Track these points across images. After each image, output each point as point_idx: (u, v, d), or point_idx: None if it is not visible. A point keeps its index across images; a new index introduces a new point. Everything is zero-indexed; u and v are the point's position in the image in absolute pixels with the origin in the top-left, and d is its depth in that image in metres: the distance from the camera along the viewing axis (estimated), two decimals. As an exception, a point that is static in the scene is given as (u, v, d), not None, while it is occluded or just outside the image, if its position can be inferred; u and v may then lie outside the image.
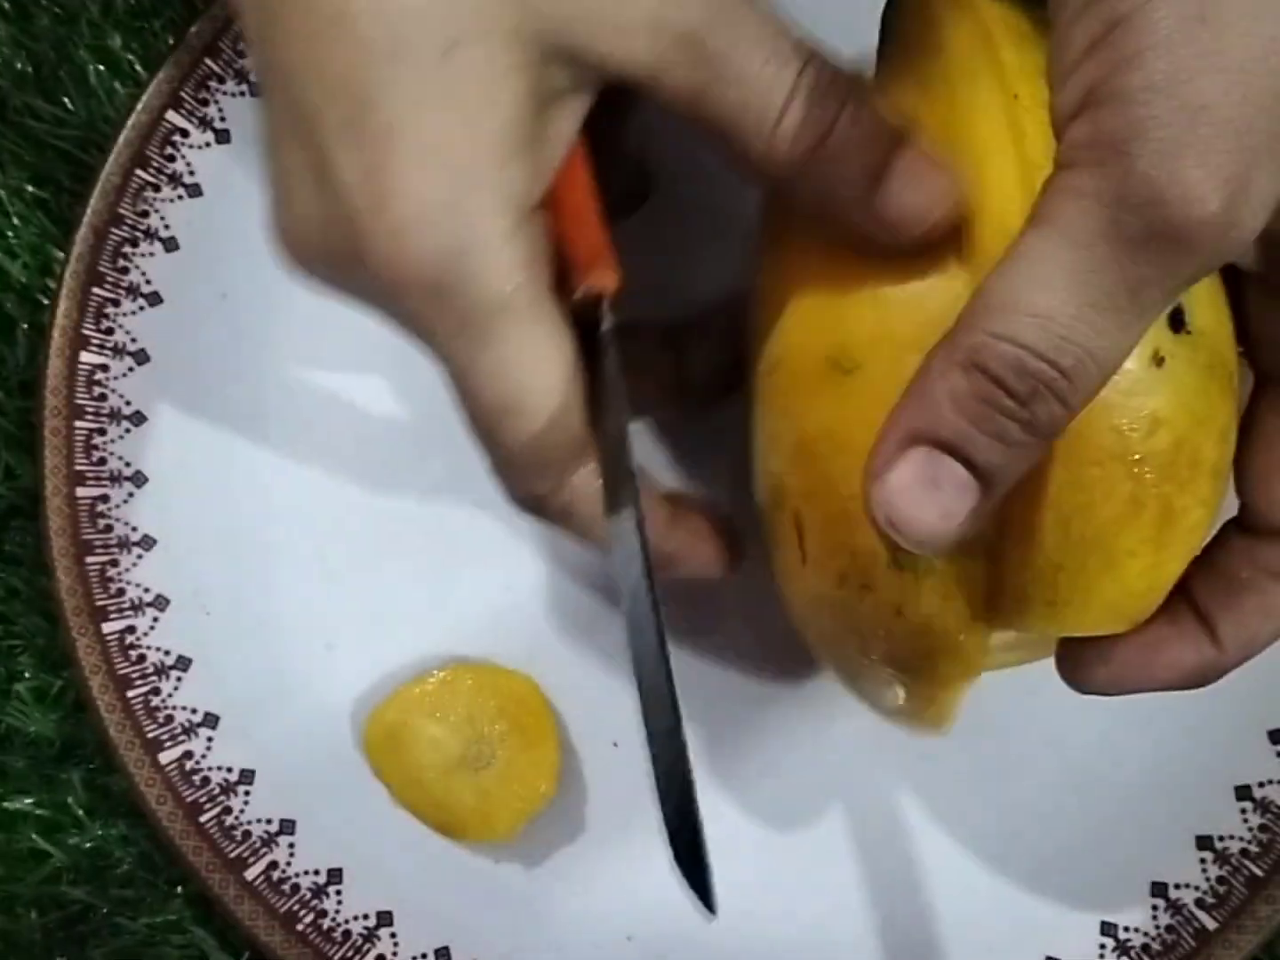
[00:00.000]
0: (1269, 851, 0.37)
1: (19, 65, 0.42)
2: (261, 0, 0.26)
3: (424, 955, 0.39)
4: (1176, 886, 0.38)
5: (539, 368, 0.28)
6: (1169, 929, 0.38)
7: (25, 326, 0.42)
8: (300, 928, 0.39)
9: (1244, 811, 0.38)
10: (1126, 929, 0.38)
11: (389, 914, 0.39)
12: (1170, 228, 0.22)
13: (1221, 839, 0.38)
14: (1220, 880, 0.37)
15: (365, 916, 0.39)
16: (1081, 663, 0.29)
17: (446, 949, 0.39)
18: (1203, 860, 0.38)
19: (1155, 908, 0.38)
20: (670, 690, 0.26)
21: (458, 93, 0.25)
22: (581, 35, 0.26)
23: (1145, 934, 0.38)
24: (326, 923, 0.39)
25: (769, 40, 0.27)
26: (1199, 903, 0.38)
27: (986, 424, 0.23)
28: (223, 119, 0.40)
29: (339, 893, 0.39)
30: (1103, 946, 0.38)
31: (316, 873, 0.39)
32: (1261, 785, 0.38)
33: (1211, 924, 0.37)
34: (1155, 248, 0.22)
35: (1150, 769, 0.39)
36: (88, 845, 0.41)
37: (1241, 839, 0.38)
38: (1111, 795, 0.39)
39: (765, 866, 0.40)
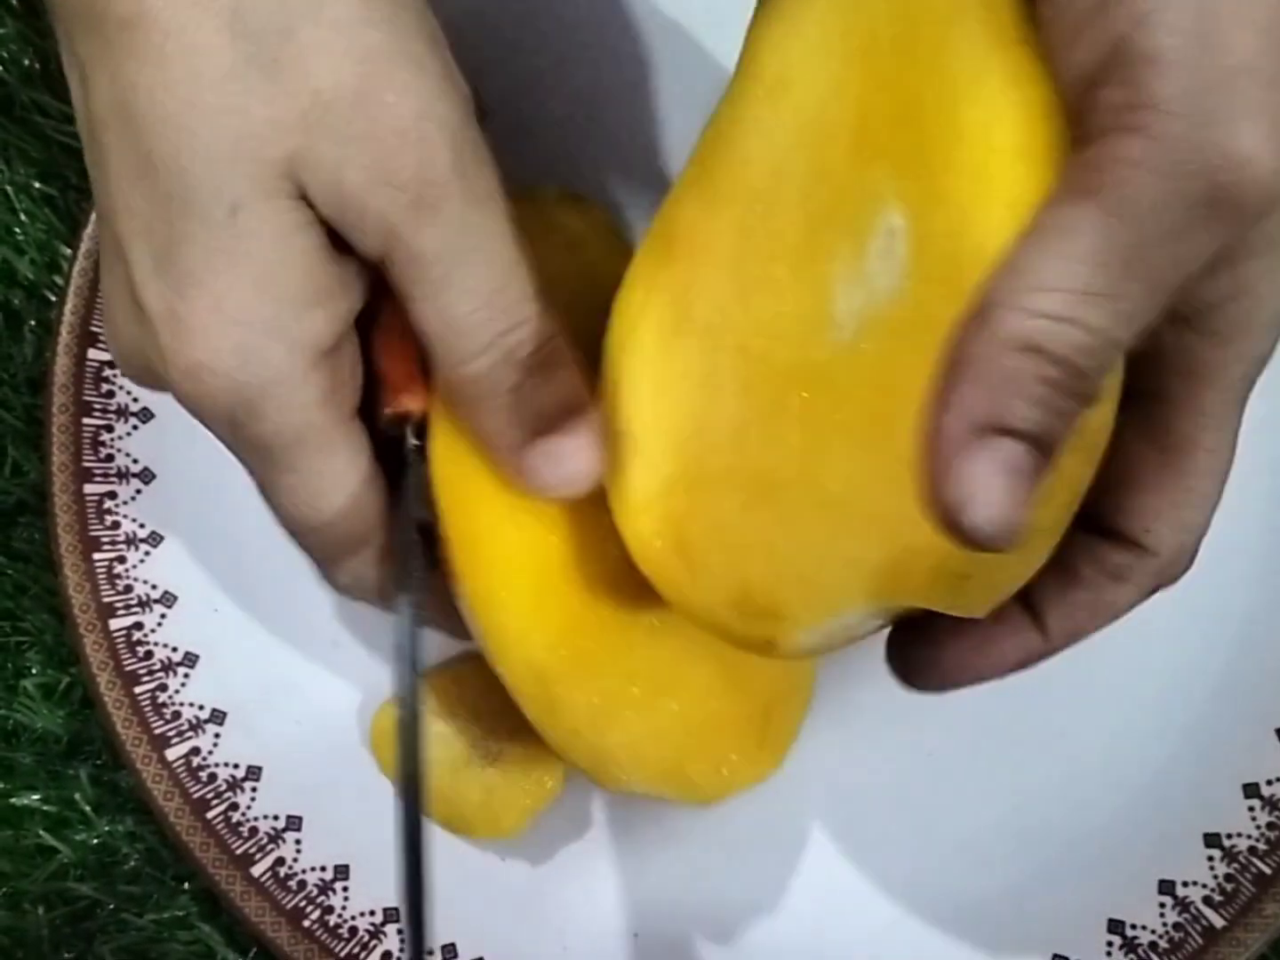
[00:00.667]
0: (1277, 849, 0.37)
1: (26, 61, 0.42)
2: (92, 132, 0.28)
3: (430, 952, 0.39)
4: (1185, 884, 0.38)
5: (331, 485, 0.30)
6: (1176, 927, 0.37)
7: (33, 323, 0.42)
8: (307, 924, 0.39)
9: (1252, 809, 0.38)
10: (1134, 927, 0.38)
11: (396, 910, 0.39)
12: (1228, 191, 0.21)
13: (1230, 837, 0.38)
14: (1228, 878, 0.37)
15: (371, 913, 0.39)
16: (912, 659, 0.29)
17: (453, 945, 0.39)
18: (1211, 858, 0.38)
19: (1163, 905, 0.38)
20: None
21: (247, 249, 0.27)
22: (347, 202, 0.28)
23: (1153, 932, 0.38)
24: (333, 919, 0.39)
25: (489, 288, 0.29)
26: (1207, 900, 0.37)
27: (1053, 404, 0.22)
28: (230, 115, 0.40)
29: (345, 889, 0.39)
30: (1110, 944, 0.38)
31: (323, 869, 0.39)
32: (1270, 783, 0.38)
33: (1220, 922, 0.37)
34: (1212, 213, 0.21)
35: (1159, 767, 0.38)
36: (95, 841, 0.41)
37: (1249, 837, 0.38)
38: (1120, 793, 0.38)
39: (771, 863, 0.39)
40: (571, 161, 0.40)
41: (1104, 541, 0.28)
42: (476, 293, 0.28)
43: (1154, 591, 0.28)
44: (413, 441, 0.32)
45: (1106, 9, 0.22)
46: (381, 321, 0.31)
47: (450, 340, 0.29)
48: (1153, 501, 0.27)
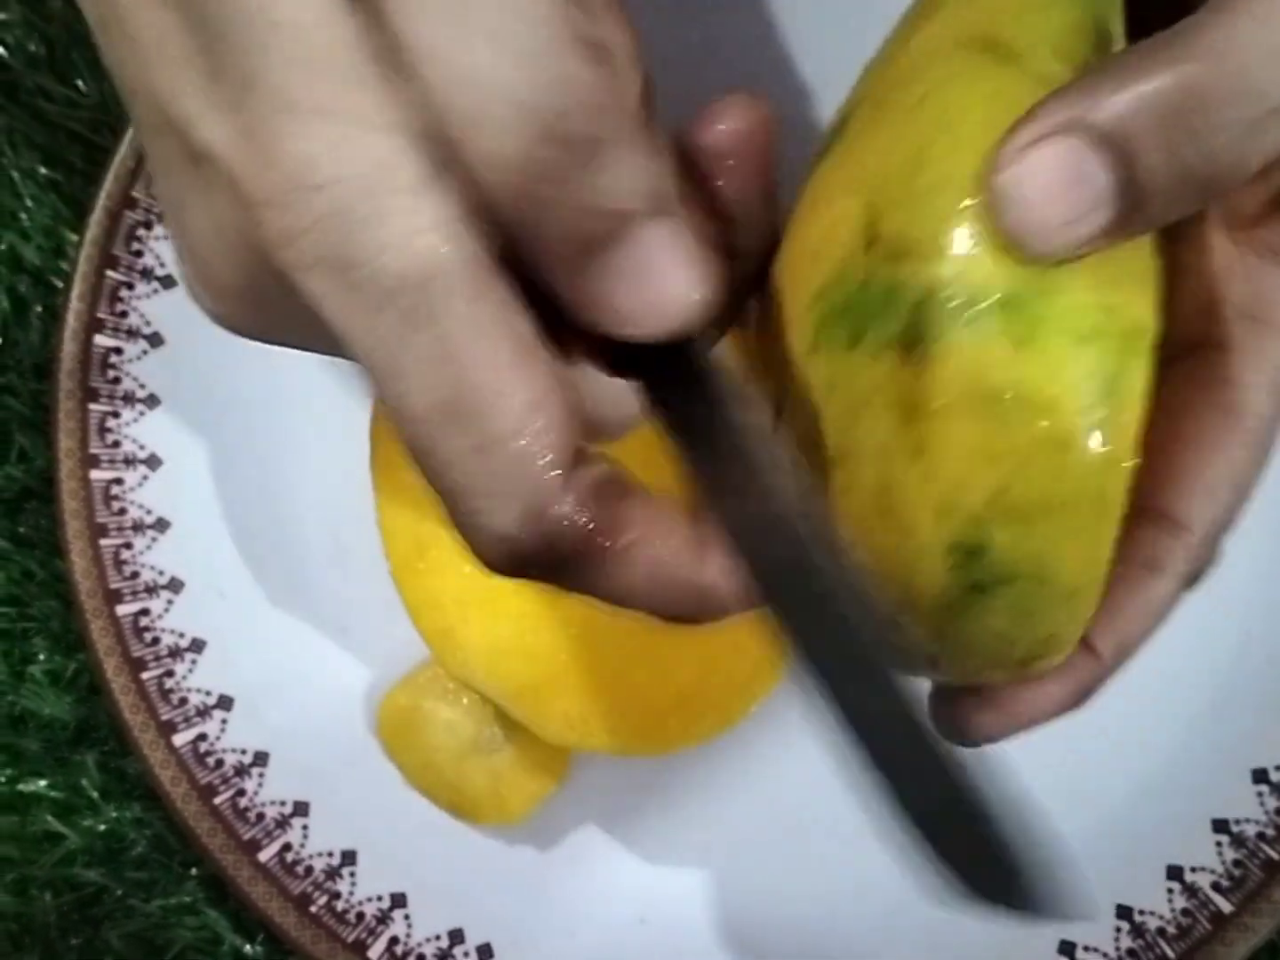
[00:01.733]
0: (1285, 835, 0.37)
1: (31, 47, 0.42)
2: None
3: (437, 936, 0.39)
4: (1193, 870, 0.38)
5: (490, 356, 0.21)
6: (1185, 912, 0.37)
7: (39, 309, 0.42)
8: (314, 909, 0.39)
9: (1260, 795, 0.38)
10: (1142, 912, 0.38)
11: (403, 895, 0.39)
12: None
13: (1238, 822, 0.38)
14: (1236, 863, 0.37)
15: (379, 898, 0.39)
16: (959, 710, 0.26)
17: (460, 930, 0.39)
18: (1219, 844, 0.38)
19: (1171, 891, 0.38)
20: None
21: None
22: None
23: (1161, 917, 0.38)
24: (340, 904, 0.39)
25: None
26: (1215, 886, 0.37)
27: (1170, 134, 0.20)
28: (236, 101, 0.40)
29: (353, 874, 0.39)
30: (1118, 930, 0.38)
31: (330, 854, 0.39)
32: (1279, 769, 0.38)
33: (1228, 907, 0.37)
34: None
35: (1167, 753, 0.39)
36: (102, 828, 0.41)
37: (1258, 822, 0.38)
38: (1127, 779, 0.39)
39: (781, 850, 0.40)
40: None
41: (1132, 528, 0.24)
42: (493, 41, 0.20)
43: (1191, 584, 0.26)
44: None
45: None
46: None
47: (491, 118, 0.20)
48: (1192, 464, 0.25)
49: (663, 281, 0.22)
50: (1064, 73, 0.22)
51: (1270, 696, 0.38)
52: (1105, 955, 0.38)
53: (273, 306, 0.23)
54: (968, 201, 0.22)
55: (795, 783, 0.40)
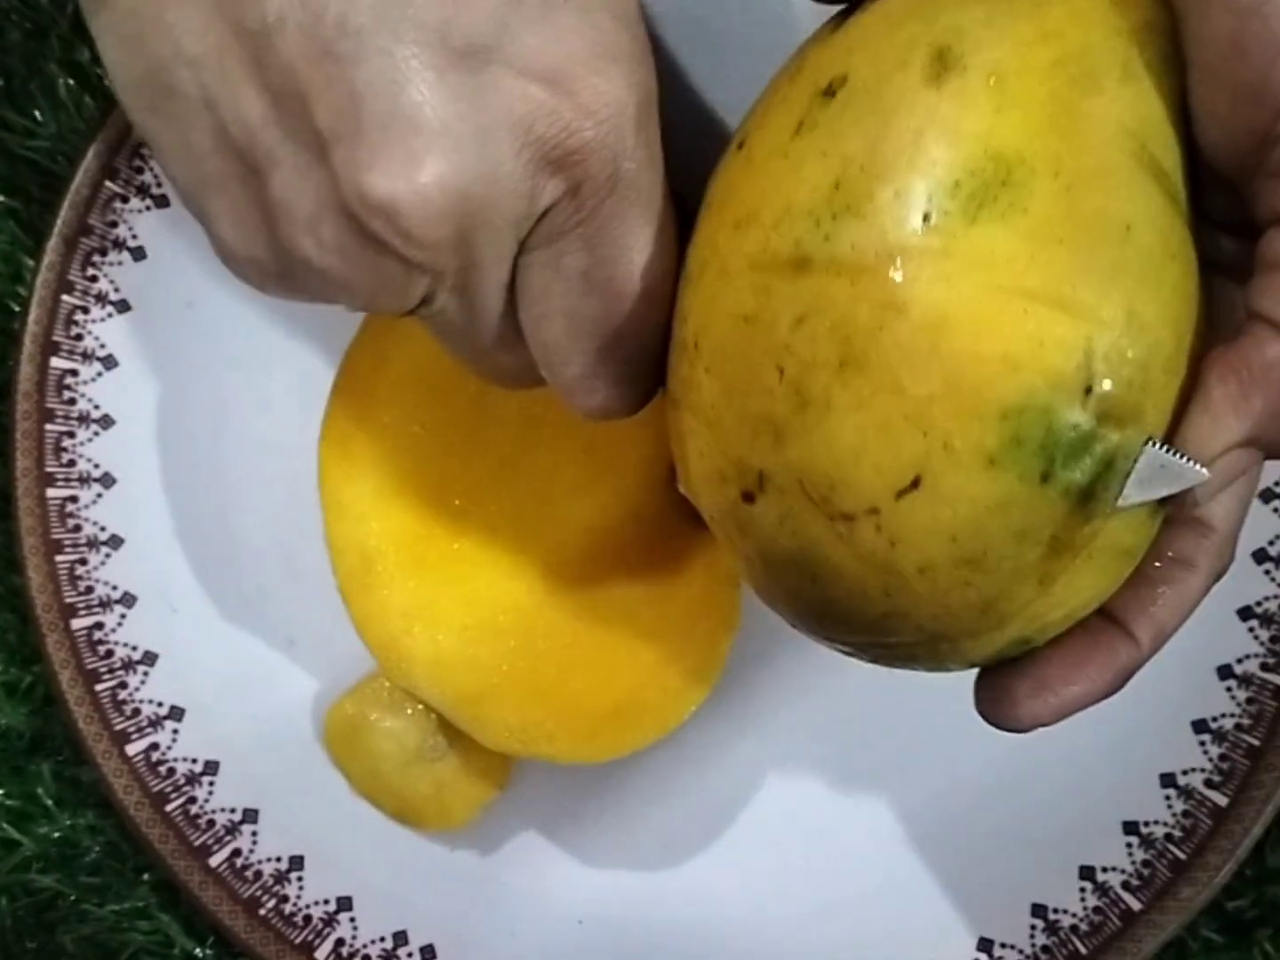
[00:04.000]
0: (1191, 836, 0.39)
1: (-10, 79, 0.43)
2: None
3: (382, 939, 0.40)
4: (1104, 870, 0.39)
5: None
6: (1096, 910, 0.39)
7: (-3, 332, 0.43)
8: (263, 913, 0.40)
9: (1168, 798, 0.39)
10: (1056, 910, 0.39)
11: (349, 899, 0.41)
12: None
13: (1147, 824, 0.39)
14: (1145, 864, 0.39)
15: (325, 901, 0.41)
16: (1008, 697, 0.28)
17: (404, 933, 0.40)
18: (1129, 844, 0.39)
19: (1084, 890, 0.39)
20: None
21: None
22: None
23: (1074, 915, 0.39)
24: (288, 908, 0.40)
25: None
26: (1125, 885, 0.39)
27: None
28: (189, 132, 0.41)
29: (300, 879, 0.41)
30: (1033, 927, 0.39)
31: (278, 860, 0.41)
32: (1185, 773, 0.39)
33: (1136, 905, 0.39)
34: None
35: (1080, 759, 0.40)
36: (56, 834, 0.42)
37: (1165, 824, 0.39)
38: (1041, 782, 0.40)
39: (713, 853, 0.41)
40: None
41: (1167, 529, 0.28)
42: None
43: (1216, 580, 0.29)
44: None
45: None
46: None
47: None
48: None
49: None
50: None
51: (1177, 705, 0.40)
52: (1021, 952, 0.39)
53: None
54: (1172, 398, 0.25)
55: (728, 788, 0.41)
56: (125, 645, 0.41)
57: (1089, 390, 0.24)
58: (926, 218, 0.24)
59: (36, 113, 0.42)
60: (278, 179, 0.26)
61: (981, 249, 0.24)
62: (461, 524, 0.38)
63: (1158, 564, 0.28)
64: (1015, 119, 0.25)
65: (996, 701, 0.28)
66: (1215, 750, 0.39)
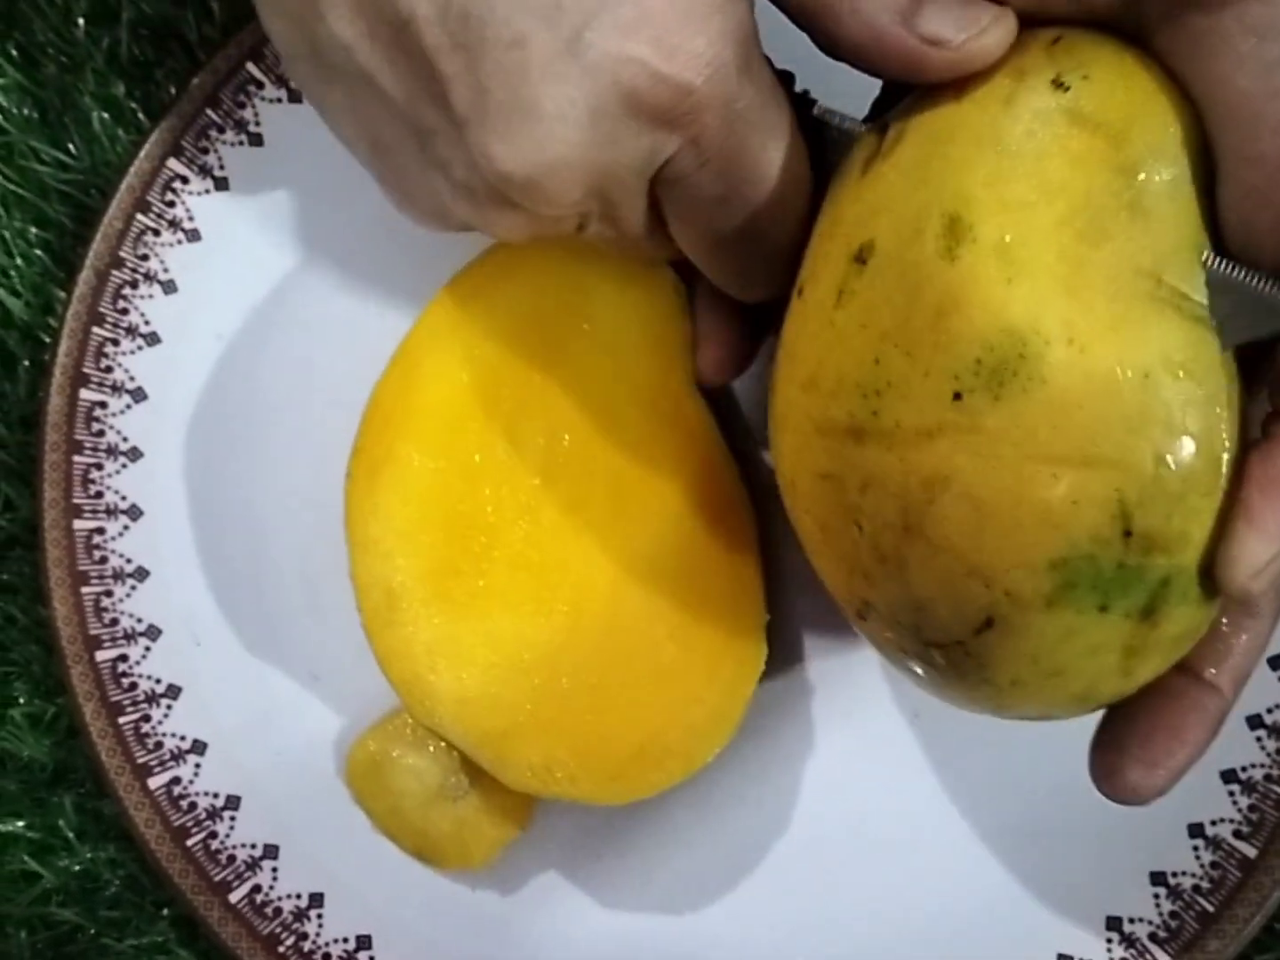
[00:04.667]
0: (1219, 888, 0.38)
1: (25, 111, 0.43)
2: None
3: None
4: (1131, 920, 0.39)
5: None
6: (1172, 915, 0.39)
7: (26, 363, 0.43)
8: (282, 950, 0.40)
9: (1196, 849, 0.39)
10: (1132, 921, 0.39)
11: (368, 938, 0.40)
12: None
13: (1175, 875, 0.39)
14: (1172, 915, 0.39)
15: (345, 940, 0.40)
16: (1126, 785, 0.30)
17: (423, 973, 0.40)
18: (1156, 895, 0.39)
19: (1110, 940, 0.39)
20: None
21: None
22: None
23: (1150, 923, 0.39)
24: (307, 945, 0.40)
25: None
26: (1151, 936, 0.39)
27: None
28: (222, 167, 0.41)
29: (320, 916, 0.40)
30: (1110, 940, 0.39)
31: (299, 896, 0.41)
32: (1213, 824, 0.39)
33: (1164, 957, 0.39)
34: None
35: (1107, 807, 0.39)
36: (77, 868, 0.42)
37: (1193, 875, 0.39)
38: (1069, 832, 0.40)
39: (738, 894, 0.41)
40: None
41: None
42: None
43: (1277, 620, 0.30)
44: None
45: None
46: None
47: None
48: None
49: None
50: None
51: (1206, 757, 0.39)
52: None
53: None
54: (1212, 515, 0.26)
55: (752, 830, 0.41)
56: (149, 678, 0.41)
57: (1128, 534, 0.26)
58: (957, 396, 0.26)
59: (70, 146, 0.43)
60: (439, 143, 0.29)
61: (1008, 423, 0.26)
62: (487, 561, 0.38)
63: (1224, 619, 0.30)
64: (1025, 290, 0.26)
65: (1117, 788, 0.31)
66: (1244, 801, 0.39)
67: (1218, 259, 0.26)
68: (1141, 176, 0.26)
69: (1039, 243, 0.26)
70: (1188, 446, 0.26)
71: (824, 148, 0.32)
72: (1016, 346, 0.26)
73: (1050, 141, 0.26)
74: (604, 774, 0.37)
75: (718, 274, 0.34)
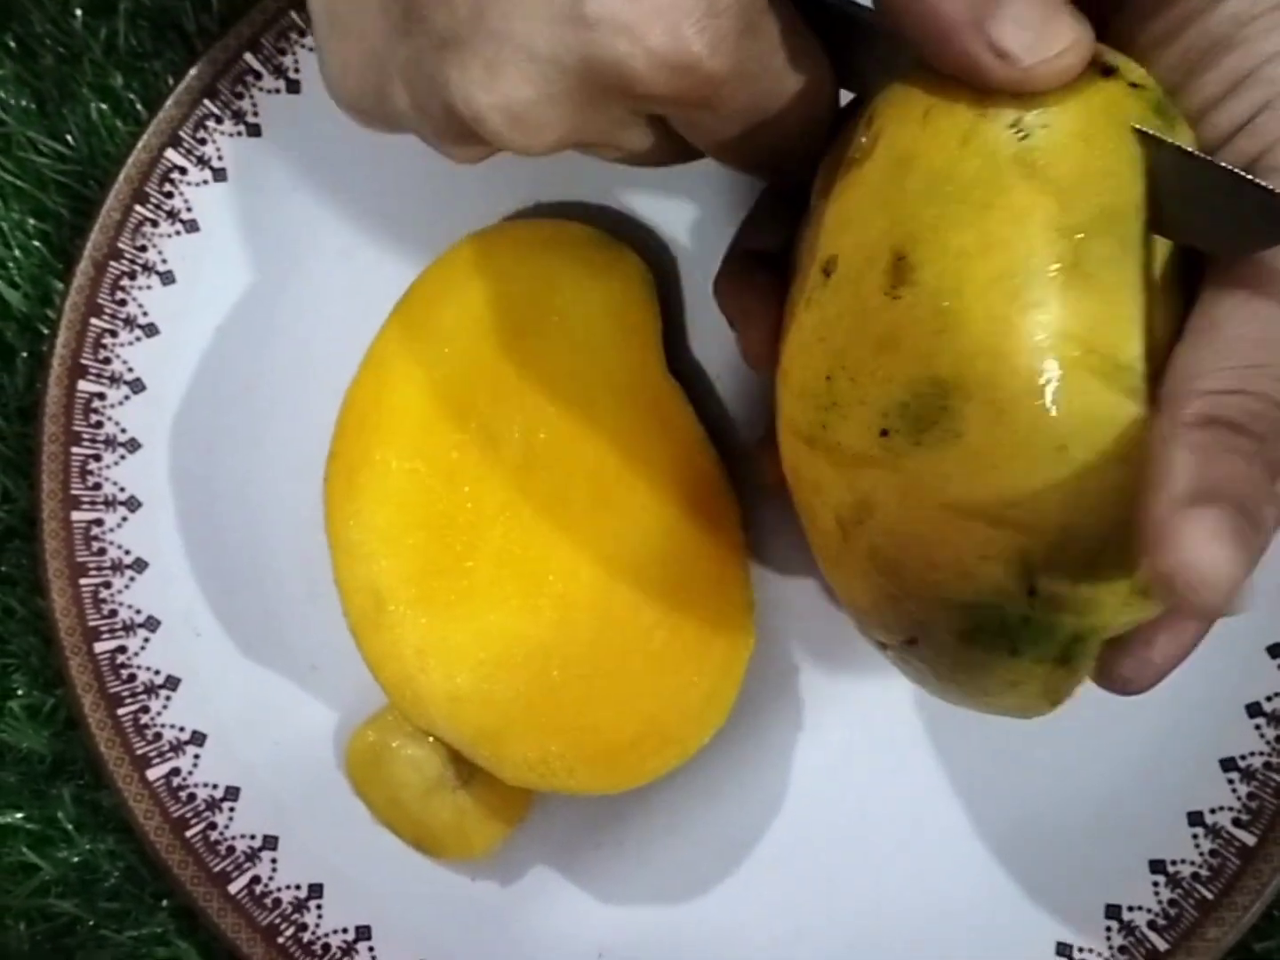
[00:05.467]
0: (1218, 876, 0.38)
1: (24, 102, 0.43)
2: None
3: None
4: (1130, 909, 0.39)
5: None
6: (1122, 949, 0.39)
7: (24, 355, 0.43)
8: (281, 941, 0.40)
9: (1195, 837, 0.39)
10: (1082, 950, 0.39)
11: (368, 928, 0.40)
12: None
13: (1174, 863, 0.39)
14: (1171, 903, 0.39)
15: (344, 930, 0.40)
16: (1107, 665, 0.31)
17: (423, 963, 0.40)
18: (1155, 884, 0.39)
19: (1109, 929, 0.39)
20: None
21: None
22: None
23: (1099, 955, 0.39)
24: (307, 936, 0.40)
25: None
26: (1151, 924, 0.39)
27: (1240, 470, 0.24)
28: (220, 158, 0.41)
29: (319, 907, 0.40)
30: (1109, 929, 0.39)
31: (298, 887, 0.41)
32: (1213, 812, 0.39)
33: (1162, 945, 0.38)
34: None
35: (1106, 795, 0.40)
36: (76, 859, 0.42)
37: (1192, 863, 0.39)
38: (1068, 820, 0.40)
39: (735, 884, 0.41)
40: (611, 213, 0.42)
41: None
42: None
43: None
44: None
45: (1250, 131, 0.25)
46: None
47: None
48: None
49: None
50: None
51: (1205, 744, 0.39)
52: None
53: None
54: (1126, 587, 0.26)
55: (749, 818, 0.41)
56: (148, 669, 0.41)
57: (1032, 591, 0.26)
58: (884, 432, 0.27)
59: (69, 136, 0.43)
60: (406, 51, 0.28)
61: (925, 469, 0.26)
62: (470, 560, 0.37)
63: None
64: (952, 344, 0.26)
65: (1102, 673, 0.31)
66: (1244, 789, 0.39)
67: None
68: (1082, 239, 0.25)
69: (971, 296, 0.25)
70: (1098, 517, 0.25)
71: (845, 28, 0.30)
72: (939, 398, 0.26)
73: (997, 192, 0.26)
74: (601, 764, 0.37)
75: (740, 168, 0.32)
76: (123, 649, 0.41)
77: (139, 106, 0.43)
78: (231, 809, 0.41)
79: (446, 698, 0.36)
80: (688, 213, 0.41)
